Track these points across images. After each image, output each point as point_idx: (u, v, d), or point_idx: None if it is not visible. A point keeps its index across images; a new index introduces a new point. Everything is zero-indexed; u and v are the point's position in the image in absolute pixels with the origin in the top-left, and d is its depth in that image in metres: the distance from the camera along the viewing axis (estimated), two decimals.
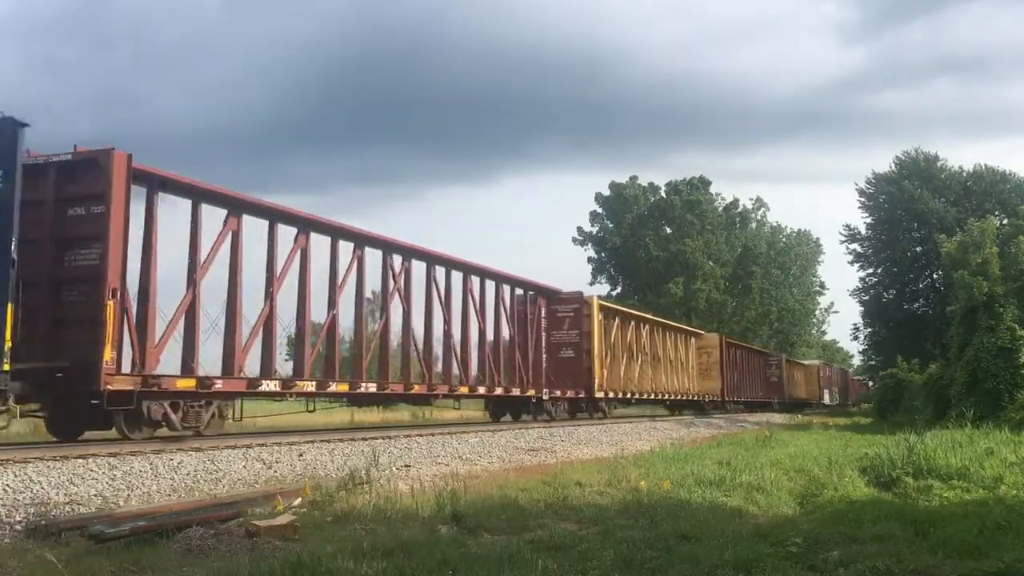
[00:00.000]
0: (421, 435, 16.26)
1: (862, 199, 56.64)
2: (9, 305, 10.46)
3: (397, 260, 19.42)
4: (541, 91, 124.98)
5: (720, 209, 73.31)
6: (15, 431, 14.17)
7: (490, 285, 23.43)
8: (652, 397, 32.87)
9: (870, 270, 57.49)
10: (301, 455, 12.78)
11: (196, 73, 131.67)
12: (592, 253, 72.07)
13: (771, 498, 11.22)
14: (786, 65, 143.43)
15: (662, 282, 65.42)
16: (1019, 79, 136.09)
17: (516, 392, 23.35)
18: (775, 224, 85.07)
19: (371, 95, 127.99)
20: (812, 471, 13.95)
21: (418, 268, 20.22)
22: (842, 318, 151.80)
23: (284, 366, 16.76)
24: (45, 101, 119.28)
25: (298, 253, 16.24)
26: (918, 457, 14.04)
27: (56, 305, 12.29)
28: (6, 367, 10.49)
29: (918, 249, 54.31)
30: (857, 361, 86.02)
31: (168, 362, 13.64)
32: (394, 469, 12.36)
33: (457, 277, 21.86)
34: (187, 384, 13.36)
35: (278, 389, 15.50)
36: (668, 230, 68.92)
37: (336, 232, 17.43)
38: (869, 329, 58.34)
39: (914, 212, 52.74)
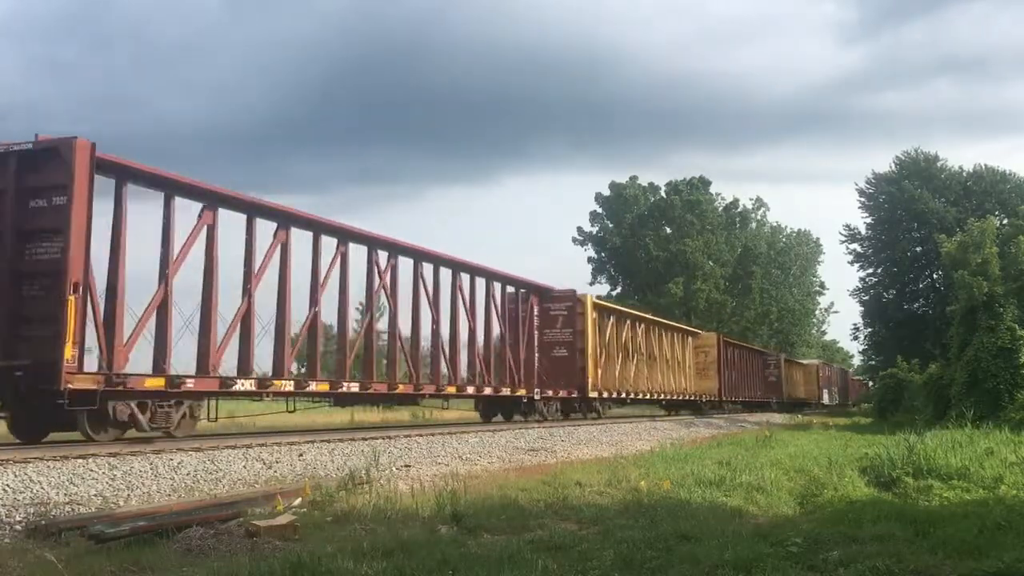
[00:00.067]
0: (421, 435, 16.27)
1: (862, 199, 56.77)
2: None
3: (383, 256, 18.98)
4: (541, 91, 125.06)
5: (720, 209, 73.38)
6: None
7: (480, 283, 22.95)
8: (648, 397, 32.56)
9: (870, 270, 57.61)
10: (301, 455, 12.78)
11: (196, 73, 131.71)
12: (592, 253, 72.25)
13: (771, 498, 11.22)
14: (786, 65, 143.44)
15: (662, 282, 65.45)
16: (1019, 79, 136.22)
17: (506, 392, 22.87)
18: (775, 224, 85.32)
19: (371, 95, 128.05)
20: (812, 471, 13.96)
21: (405, 265, 19.86)
22: (842, 318, 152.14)
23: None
24: (45, 101, 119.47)
25: (278, 248, 15.78)
26: (918, 457, 14.05)
27: (16, 300, 11.83)
28: None
29: (918, 249, 54.34)
30: (857, 361, 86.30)
31: (140, 361, 13.31)
32: (394, 469, 12.36)
33: (446, 274, 21.46)
34: (155, 383, 12.88)
35: (254, 389, 14.94)
36: (668, 230, 68.96)
37: (319, 227, 16.98)
38: (869, 329, 58.41)
39: (914, 212, 52.77)
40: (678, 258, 66.28)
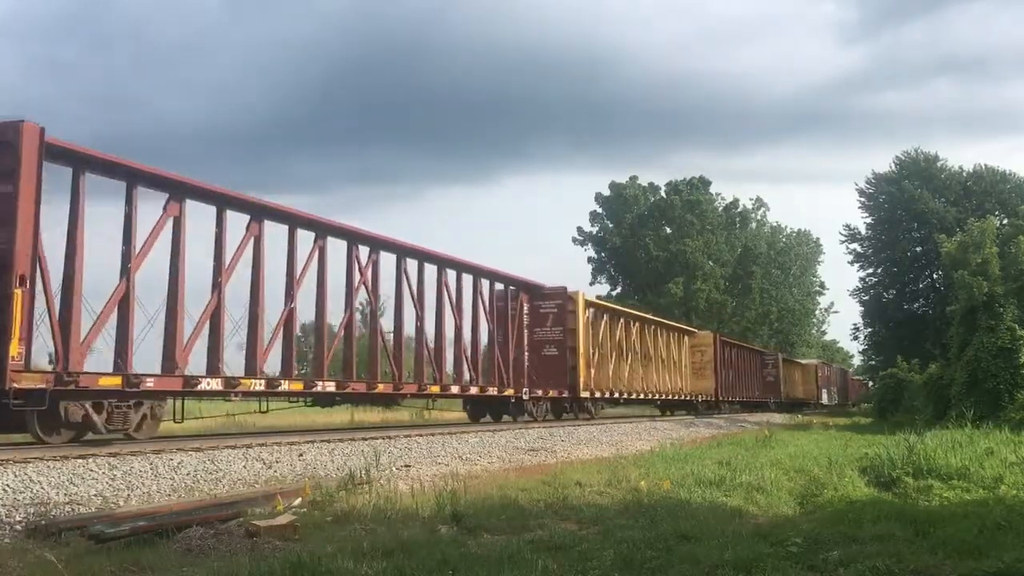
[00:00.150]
0: (421, 435, 16.27)
1: (862, 199, 56.80)
2: None
3: (364, 251, 18.38)
4: (541, 91, 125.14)
5: (720, 209, 73.34)
6: None
7: (467, 279, 22.32)
8: (642, 397, 31.93)
9: (870, 270, 57.66)
10: (301, 455, 12.79)
11: (196, 73, 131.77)
12: (592, 253, 72.19)
13: (771, 498, 11.23)
14: (786, 65, 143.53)
15: (662, 282, 65.44)
16: (1019, 79, 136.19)
17: (493, 391, 22.20)
18: (775, 224, 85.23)
19: (371, 95, 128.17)
20: (812, 471, 13.96)
21: (387, 260, 19.23)
22: (842, 318, 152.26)
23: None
24: (45, 101, 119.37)
25: (251, 242, 15.20)
26: (918, 457, 14.05)
27: None
28: None
29: (918, 249, 54.37)
30: (857, 361, 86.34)
31: (101, 361, 12.74)
32: (394, 469, 12.37)
33: (431, 270, 20.78)
34: (111, 382, 12.14)
35: (220, 388, 14.14)
36: (668, 230, 68.94)
37: (294, 220, 16.38)
38: (869, 329, 58.46)
39: (914, 212, 52.80)
40: (678, 258, 66.27)
